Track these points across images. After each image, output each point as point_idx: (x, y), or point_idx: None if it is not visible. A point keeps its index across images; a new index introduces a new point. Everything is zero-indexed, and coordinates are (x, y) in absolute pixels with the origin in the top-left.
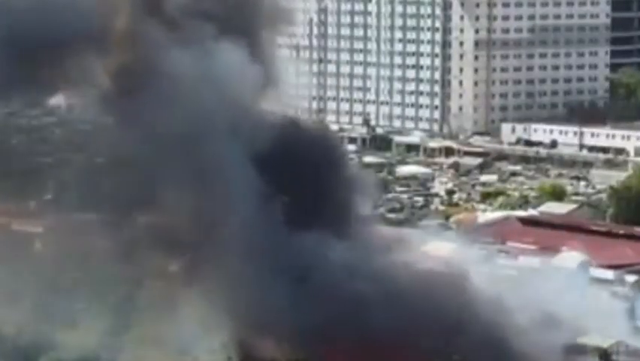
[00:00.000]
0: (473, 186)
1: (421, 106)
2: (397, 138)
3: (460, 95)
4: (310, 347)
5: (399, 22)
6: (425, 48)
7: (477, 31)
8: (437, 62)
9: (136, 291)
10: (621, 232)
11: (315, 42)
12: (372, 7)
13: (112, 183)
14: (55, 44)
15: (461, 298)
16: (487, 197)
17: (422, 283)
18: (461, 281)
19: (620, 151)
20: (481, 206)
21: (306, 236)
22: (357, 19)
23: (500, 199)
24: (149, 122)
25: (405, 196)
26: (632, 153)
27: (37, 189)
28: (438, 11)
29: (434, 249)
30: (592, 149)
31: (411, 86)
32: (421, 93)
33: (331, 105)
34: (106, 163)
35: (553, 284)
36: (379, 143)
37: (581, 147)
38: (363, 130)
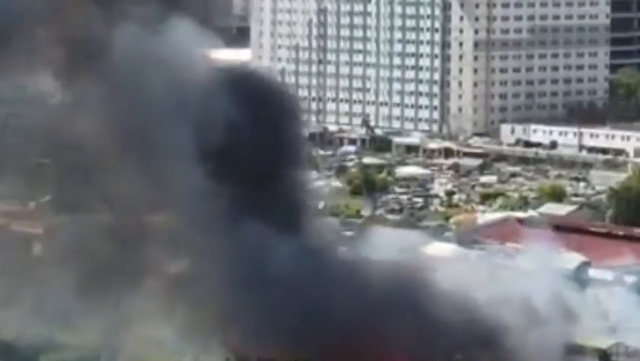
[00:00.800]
0: (473, 187)
1: (420, 107)
2: (397, 139)
3: (460, 96)
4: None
5: (398, 22)
6: (424, 49)
7: (476, 32)
8: (436, 62)
9: (134, 291)
10: (621, 233)
11: (314, 43)
12: (371, 8)
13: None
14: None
15: (425, 292)
16: (486, 198)
17: (389, 278)
18: (425, 274)
19: (619, 152)
20: (481, 207)
21: (257, 231)
22: (357, 20)
23: (500, 200)
24: (96, 108)
25: (404, 197)
26: (631, 153)
27: (35, 189)
28: (437, 12)
29: (434, 249)
30: (591, 150)
31: (410, 87)
32: (421, 94)
33: (331, 106)
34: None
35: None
36: (379, 144)
37: (581, 147)
38: (363, 131)
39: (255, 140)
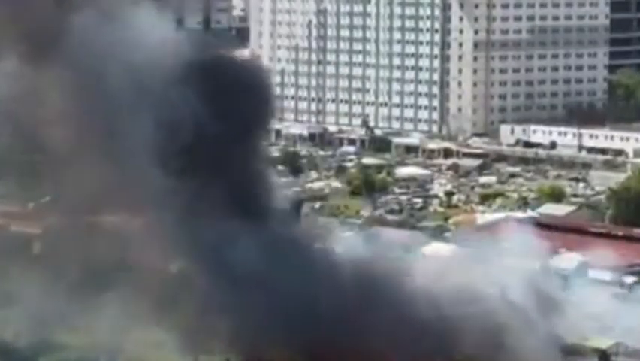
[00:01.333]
0: (472, 187)
1: (419, 107)
2: (396, 140)
3: (459, 97)
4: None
5: (398, 23)
6: (424, 49)
7: (476, 32)
8: (436, 63)
9: (134, 291)
10: (620, 233)
11: (314, 43)
12: (371, 9)
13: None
14: None
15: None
16: (486, 198)
17: (368, 276)
18: (399, 272)
19: (619, 152)
20: (480, 207)
21: (223, 228)
22: (356, 20)
23: (499, 201)
24: (56, 98)
25: (404, 198)
26: (630, 154)
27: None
28: (437, 12)
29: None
30: (591, 150)
31: (410, 88)
32: (420, 94)
33: (330, 107)
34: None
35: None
36: (378, 144)
37: (580, 148)
38: (362, 131)
39: (219, 131)
